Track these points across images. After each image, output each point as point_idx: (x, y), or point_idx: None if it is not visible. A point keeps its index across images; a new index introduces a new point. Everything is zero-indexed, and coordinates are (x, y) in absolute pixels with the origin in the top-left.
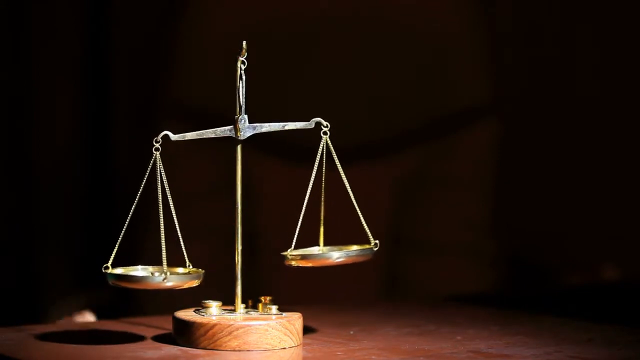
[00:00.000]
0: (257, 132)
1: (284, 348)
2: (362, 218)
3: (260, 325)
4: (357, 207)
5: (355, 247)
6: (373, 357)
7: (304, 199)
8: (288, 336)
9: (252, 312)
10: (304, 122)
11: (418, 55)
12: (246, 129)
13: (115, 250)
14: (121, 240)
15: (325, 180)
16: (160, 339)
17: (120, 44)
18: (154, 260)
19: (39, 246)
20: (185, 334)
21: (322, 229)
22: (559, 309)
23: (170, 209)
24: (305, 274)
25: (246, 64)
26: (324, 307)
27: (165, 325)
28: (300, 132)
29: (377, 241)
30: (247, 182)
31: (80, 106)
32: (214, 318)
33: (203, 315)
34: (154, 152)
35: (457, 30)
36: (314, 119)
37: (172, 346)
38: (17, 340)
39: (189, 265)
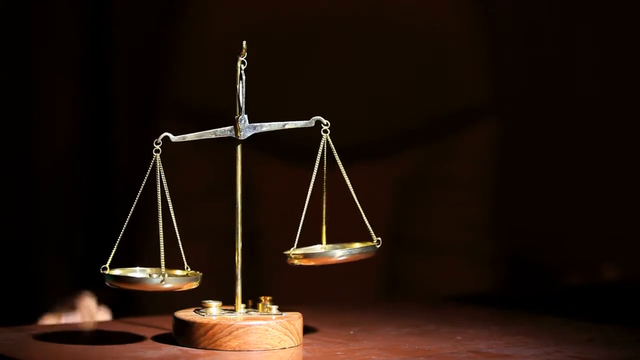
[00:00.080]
0: (258, 131)
1: (284, 348)
2: (363, 215)
3: (260, 325)
4: (358, 203)
5: (357, 245)
6: (373, 357)
7: (305, 198)
8: (288, 336)
9: (252, 312)
10: (304, 121)
11: (418, 55)
12: (246, 129)
13: (113, 251)
14: (120, 241)
15: (325, 178)
16: (160, 339)
17: (120, 44)
18: (153, 261)
19: (39, 246)
20: (185, 334)
21: (324, 228)
22: (559, 309)
23: (170, 211)
24: (306, 273)
25: (246, 64)
26: (324, 307)
27: (165, 325)
28: (300, 133)
29: (379, 238)
30: (247, 182)
31: (80, 106)
32: (214, 318)
33: (203, 315)
34: (154, 153)
35: (457, 30)
36: (314, 117)
37: (172, 346)
38: (17, 340)
39: (187, 268)
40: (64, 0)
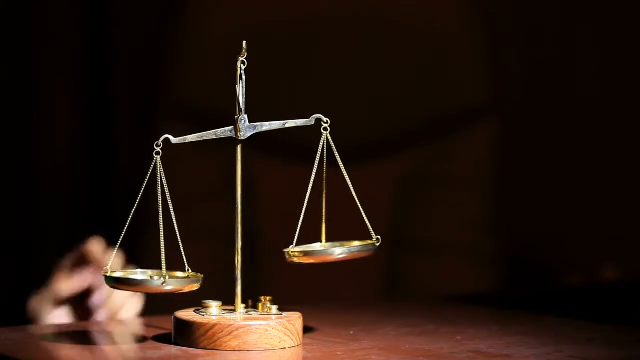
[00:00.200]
0: (258, 131)
1: (284, 348)
2: (363, 213)
3: (260, 325)
4: (358, 201)
5: (357, 243)
6: (373, 357)
7: (305, 196)
8: (288, 336)
9: (252, 312)
10: (304, 120)
11: (418, 55)
12: (246, 128)
13: (114, 253)
14: (121, 242)
15: (325, 175)
16: (160, 339)
17: (120, 43)
18: (154, 263)
19: (39, 246)
20: (185, 334)
21: (324, 225)
22: (559, 309)
23: (171, 213)
24: (306, 273)
25: (246, 64)
26: (324, 307)
27: (165, 325)
28: (300, 132)
29: (378, 236)
30: (247, 182)
31: (80, 106)
32: (214, 318)
33: (203, 315)
34: (154, 156)
35: (457, 30)
36: (314, 116)
37: (172, 346)
38: (17, 340)
39: (188, 269)
40: (64, 0)
